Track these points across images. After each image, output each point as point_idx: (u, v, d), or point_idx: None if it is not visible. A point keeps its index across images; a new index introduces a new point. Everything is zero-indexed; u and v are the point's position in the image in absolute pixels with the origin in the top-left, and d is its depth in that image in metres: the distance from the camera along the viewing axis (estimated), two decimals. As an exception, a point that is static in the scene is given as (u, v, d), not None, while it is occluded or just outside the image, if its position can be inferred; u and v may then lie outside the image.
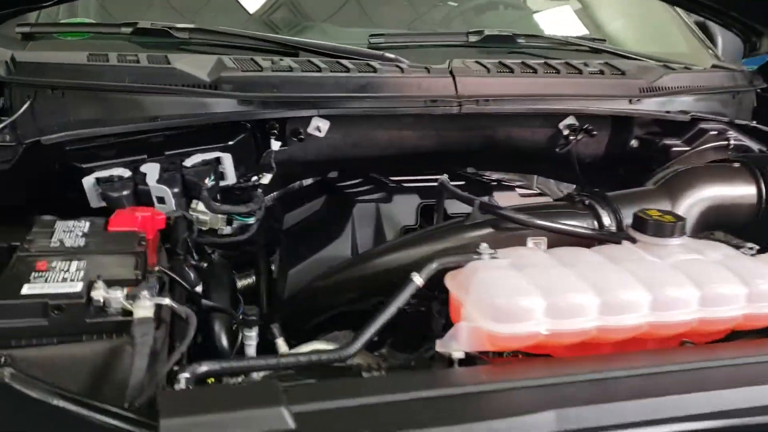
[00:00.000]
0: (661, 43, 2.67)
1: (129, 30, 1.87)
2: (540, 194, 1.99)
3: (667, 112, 2.08)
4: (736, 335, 1.23)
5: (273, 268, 1.92)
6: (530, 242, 1.33)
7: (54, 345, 1.09)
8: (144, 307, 1.11)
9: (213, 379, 1.13)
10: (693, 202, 1.52)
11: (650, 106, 2.07)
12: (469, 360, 1.06)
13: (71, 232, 1.36)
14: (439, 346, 1.09)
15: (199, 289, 1.67)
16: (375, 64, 1.87)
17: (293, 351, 1.36)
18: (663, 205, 1.48)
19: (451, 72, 1.90)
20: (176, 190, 1.61)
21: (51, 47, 1.86)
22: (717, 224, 1.54)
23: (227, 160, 1.71)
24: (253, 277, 1.89)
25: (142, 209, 1.47)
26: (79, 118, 1.63)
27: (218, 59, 1.78)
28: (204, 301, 1.41)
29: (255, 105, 1.73)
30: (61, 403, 0.89)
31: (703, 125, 2.08)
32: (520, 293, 1.06)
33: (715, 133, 2.07)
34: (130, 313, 1.11)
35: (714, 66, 2.42)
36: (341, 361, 1.09)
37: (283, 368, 1.11)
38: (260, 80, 1.74)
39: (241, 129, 1.79)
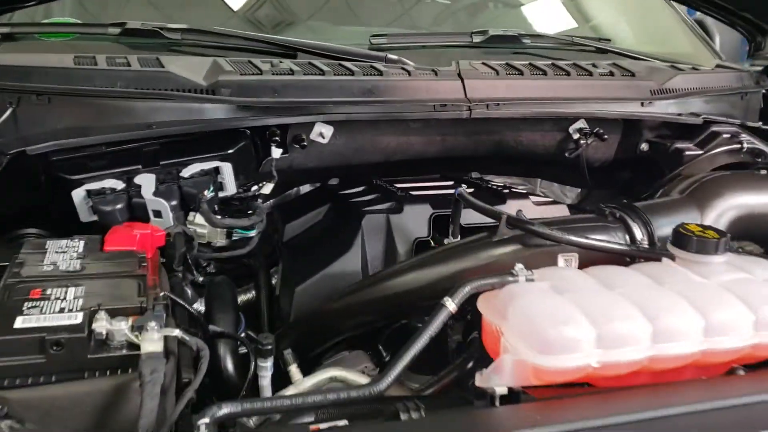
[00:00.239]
0: (662, 43, 2.62)
1: (117, 31, 1.76)
2: (554, 202, 1.91)
3: (679, 114, 2.02)
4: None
5: (273, 281, 1.82)
6: (561, 259, 1.25)
7: (53, 384, 0.98)
8: (152, 340, 1.01)
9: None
10: (721, 212, 1.45)
11: (661, 108, 2.02)
12: (512, 395, 0.97)
13: (65, 252, 1.26)
14: (480, 380, 1.00)
15: (197, 306, 1.58)
16: (380, 66, 1.78)
17: (314, 380, 1.26)
18: (692, 215, 1.42)
19: (459, 74, 1.82)
20: (174, 202, 1.51)
21: (33, 49, 1.75)
22: (746, 235, 1.47)
23: (227, 170, 1.61)
24: (253, 292, 1.79)
25: (140, 225, 1.37)
26: (67, 125, 1.52)
27: (214, 61, 1.68)
28: (212, 327, 1.30)
29: (255, 111, 1.64)
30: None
31: (715, 128, 2.02)
32: (568, 322, 0.97)
33: (728, 136, 2.01)
34: (136, 346, 1.01)
35: (718, 66, 2.38)
36: (373, 398, 0.99)
37: (309, 407, 1.01)
38: (260, 84, 1.64)
39: (240, 136, 1.69)
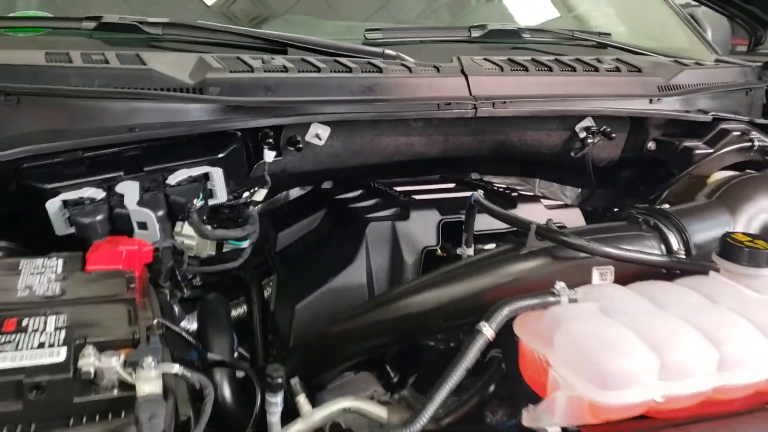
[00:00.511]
0: (658, 37, 2.54)
1: (92, 25, 1.61)
2: (566, 205, 1.80)
3: (687, 111, 1.93)
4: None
5: (266, 294, 1.68)
6: (596, 273, 1.14)
7: (32, 434, 0.84)
8: (149, 379, 0.88)
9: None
10: (752, 215, 1.37)
11: (669, 105, 1.93)
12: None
13: (41, 274, 1.11)
14: (528, 420, 0.88)
15: (185, 324, 1.45)
16: (379, 63, 1.66)
17: (326, 411, 1.13)
18: (725, 221, 1.33)
19: (462, 71, 1.71)
20: (161, 213, 1.37)
21: (0, 45, 1.58)
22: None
23: (217, 176, 1.47)
24: (245, 307, 1.65)
25: (125, 240, 1.22)
26: (39, 129, 1.37)
27: (200, 58, 1.54)
28: (211, 356, 1.16)
29: (246, 111, 1.50)
30: None
31: (724, 125, 1.94)
32: (629, 352, 0.86)
33: (738, 133, 1.92)
34: (130, 386, 0.88)
35: (717, 61, 2.31)
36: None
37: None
38: (251, 82, 1.51)
39: (230, 139, 1.55)
